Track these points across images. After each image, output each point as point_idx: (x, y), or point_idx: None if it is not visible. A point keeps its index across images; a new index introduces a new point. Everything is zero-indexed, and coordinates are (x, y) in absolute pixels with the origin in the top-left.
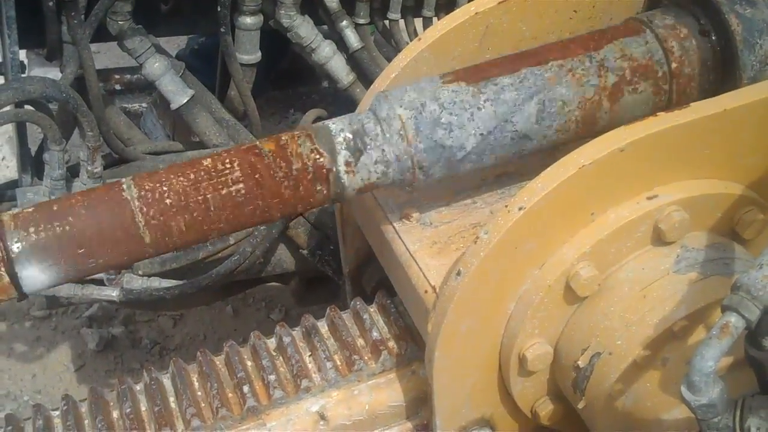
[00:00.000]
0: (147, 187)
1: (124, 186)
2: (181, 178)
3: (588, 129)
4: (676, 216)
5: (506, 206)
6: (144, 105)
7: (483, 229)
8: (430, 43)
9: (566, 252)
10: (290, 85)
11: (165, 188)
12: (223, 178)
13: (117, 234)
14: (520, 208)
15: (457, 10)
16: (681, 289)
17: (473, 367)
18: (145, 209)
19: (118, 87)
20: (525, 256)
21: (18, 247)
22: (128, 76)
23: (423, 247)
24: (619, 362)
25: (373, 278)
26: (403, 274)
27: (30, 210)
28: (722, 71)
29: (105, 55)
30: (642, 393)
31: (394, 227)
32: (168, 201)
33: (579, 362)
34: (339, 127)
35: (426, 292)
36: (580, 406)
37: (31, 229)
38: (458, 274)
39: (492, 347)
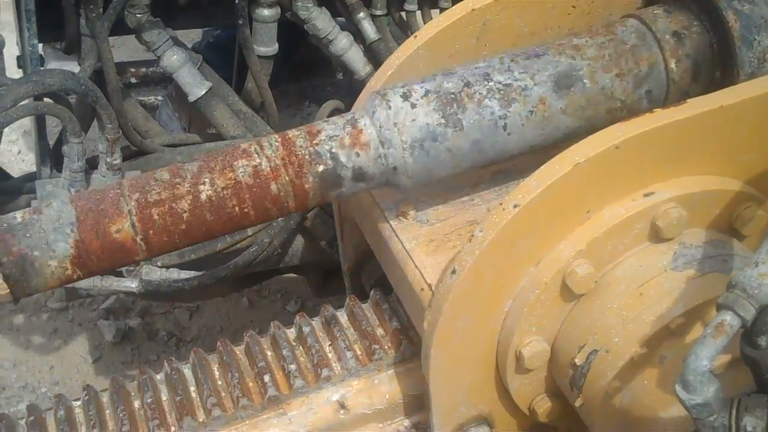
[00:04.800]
0: None
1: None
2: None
3: None
4: (674, 213)
5: (501, 204)
6: (159, 98)
7: (478, 227)
8: (427, 40)
9: (562, 249)
10: (305, 77)
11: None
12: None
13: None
14: (515, 206)
15: (454, 7)
16: (678, 287)
17: (470, 364)
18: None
19: (133, 80)
20: (521, 253)
21: None
22: (144, 69)
23: (419, 245)
24: (616, 360)
25: (372, 275)
26: (399, 272)
27: None
28: (720, 68)
29: (120, 49)
30: (639, 391)
31: (390, 225)
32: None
33: (576, 360)
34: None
35: (422, 289)
36: (578, 403)
37: None
38: (453, 272)
39: (489, 345)
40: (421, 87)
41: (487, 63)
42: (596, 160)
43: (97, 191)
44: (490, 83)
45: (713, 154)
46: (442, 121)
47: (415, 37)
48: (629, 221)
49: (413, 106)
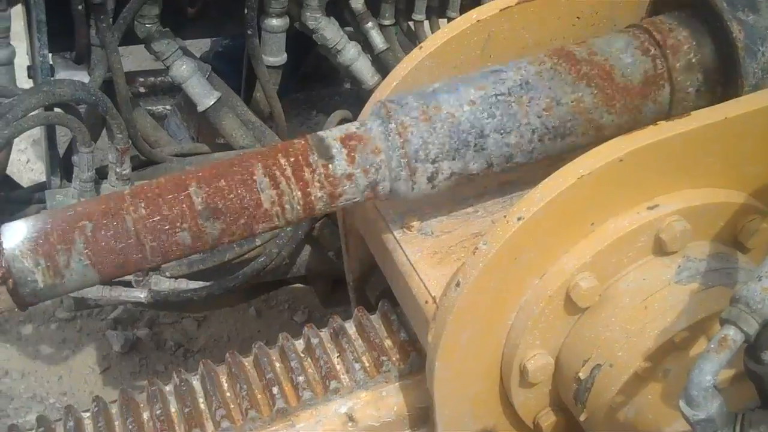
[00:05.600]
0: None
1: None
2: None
3: None
4: (678, 226)
5: (505, 216)
6: (168, 107)
7: (482, 239)
8: (431, 52)
9: (566, 262)
10: (313, 86)
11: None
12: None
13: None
14: (518, 219)
15: (459, 18)
16: (682, 300)
17: (474, 378)
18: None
19: (142, 90)
20: (525, 266)
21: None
22: (152, 79)
23: (424, 257)
24: (620, 374)
25: (377, 287)
26: (404, 284)
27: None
28: (724, 78)
29: (128, 58)
30: (643, 405)
31: (395, 237)
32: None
33: (580, 374)
34: (343, 163)
35: (426, 302)
36: (582, 418)
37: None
38: (457, 285)
39: (493, 358)
40: None
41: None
42: (600, 173)
43: None
44: None
45: (717, 166)
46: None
47: (420, 48)
48: (633, 234)
49: None
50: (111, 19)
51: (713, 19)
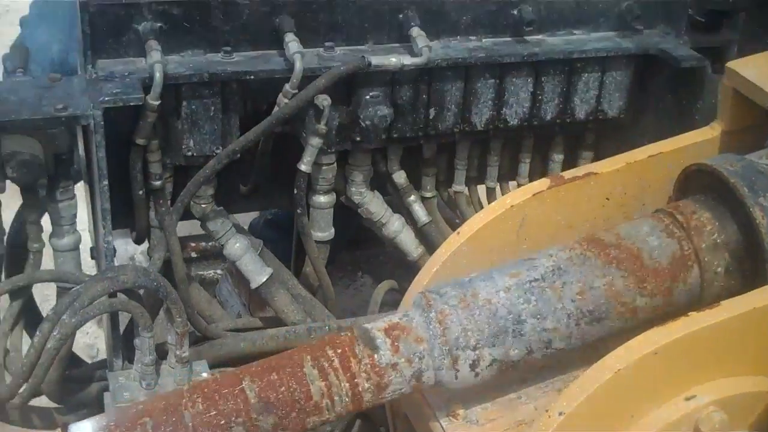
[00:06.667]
0: None
1: None
2: None
3: None
4: (716, 417)
5: (547, 411)
6: (219, 271)
7: None
8: (469, 237)
9: None
10: (357, 247)
11: None
12: None
13: None
14: (560, 414)
15: (493, 203)
16: None
17: None
18: None
19: (193, 254)
20: None
21: None
22: (203, 244)
23: None
24: None
25: None
26: None
27: None
28: (751, 262)
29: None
30: None
31: (441, 425)
32: None
33: None
34: (387, 353)
35: None
36: None
37: None
38: None
39: None
40: None
41: None
42: (636, 366)
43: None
44: None
45: (749, 354)
46: None
47: (458, 233)
48: (672, 426)
49: None
50: (169, 202)
51: (736, 205)
